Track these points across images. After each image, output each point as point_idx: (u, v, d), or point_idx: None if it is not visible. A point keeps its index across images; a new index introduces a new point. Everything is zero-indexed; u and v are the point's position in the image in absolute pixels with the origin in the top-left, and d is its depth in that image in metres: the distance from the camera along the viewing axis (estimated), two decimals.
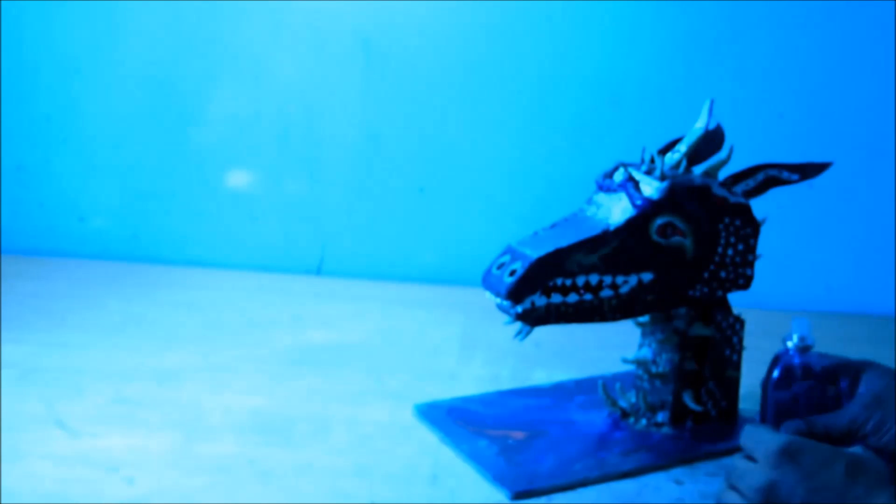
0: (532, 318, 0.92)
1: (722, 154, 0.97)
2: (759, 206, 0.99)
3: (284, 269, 1.47)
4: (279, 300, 1.34)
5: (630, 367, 1.04)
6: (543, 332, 1.23)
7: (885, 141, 1.37)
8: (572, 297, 0.92)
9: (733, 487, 0.82)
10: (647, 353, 1.01)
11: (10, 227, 1.47)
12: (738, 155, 0.99)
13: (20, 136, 1.45)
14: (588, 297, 0.93)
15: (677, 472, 0.95)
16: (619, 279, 0.94)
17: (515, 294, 0.91)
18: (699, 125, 0.97)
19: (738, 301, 1.01)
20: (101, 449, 0.94)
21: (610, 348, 1.11)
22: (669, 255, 0.95)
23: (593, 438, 1.00)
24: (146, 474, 0.90)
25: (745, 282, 0.99)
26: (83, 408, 1.01)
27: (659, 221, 0.94)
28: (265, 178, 1.46)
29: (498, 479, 0.92)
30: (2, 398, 1.02)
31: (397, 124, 1.42)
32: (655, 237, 0.94)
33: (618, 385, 1.03)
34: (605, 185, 0.97)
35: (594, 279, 0.93)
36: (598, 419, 1.03)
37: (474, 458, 0.95)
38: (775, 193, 1.00)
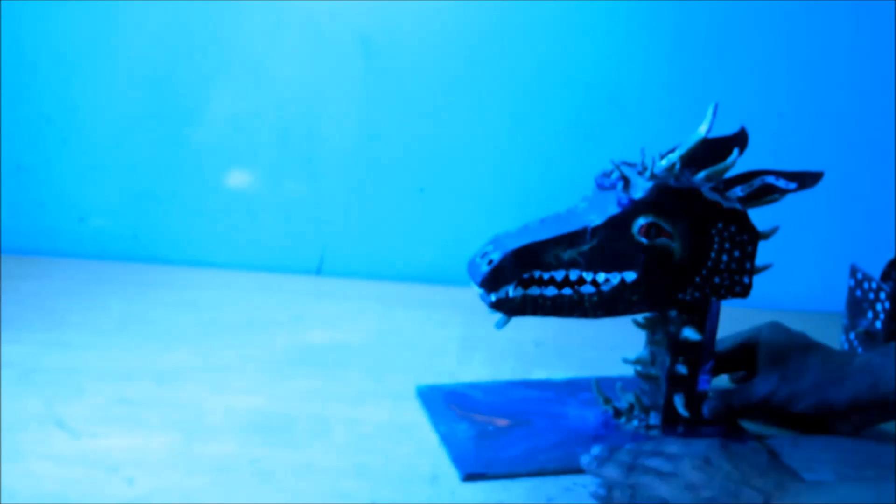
0: (507, 308, 0.93)
1: (728, 160, 0.96)
2: (760, 208, 0.99)
3: (284, 269, 1.47)
4: (279, 300, 1.34)
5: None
6: (544, 332, 1.24)
7: (885, 141, 1.37)
8: (550, 291, 0.93)
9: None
10: (645, 354, 1.01)
11: (10, 227, 1.47)
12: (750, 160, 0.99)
13: (20, 136, 1.45)
14: (567, 291, 0.93)
15: None
16: (601, 276, 0.94)
17: (489, 283, 0.92)
18: (701, 129, 0.96)
19: (735, 301, 1.01)
20: (101, 449, 0.94)
21: (610, 348, 1.12)
22: (655, 256, 0.94)
23: (575, 433, 1.00)
24: (146, 474, 0.90)
25: (742, 290, 0.98)
26: (83, 408, 1.01)
27: (641, 221, 0.94)
28: (265, 177, 1.46)
29: (456, 460, 0.94)
30: (2, 398, 1.02)
31: (397, 124, 1.42)
32: (638, 237, 0.94)
33: (618, 384, 1.04)
34: (601, 182, 0.97)
35: (574, 274, 0.93)
36: (591, 416, 1.04)
37: (445, 439, 0.97)
38: None
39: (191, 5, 1.39)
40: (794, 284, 1.40)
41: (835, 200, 1.39)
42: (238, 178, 1.46)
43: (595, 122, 1.40)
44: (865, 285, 1.16)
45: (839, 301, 1.23)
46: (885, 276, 1.17)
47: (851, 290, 1.19)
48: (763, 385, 1.00)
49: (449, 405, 1.04)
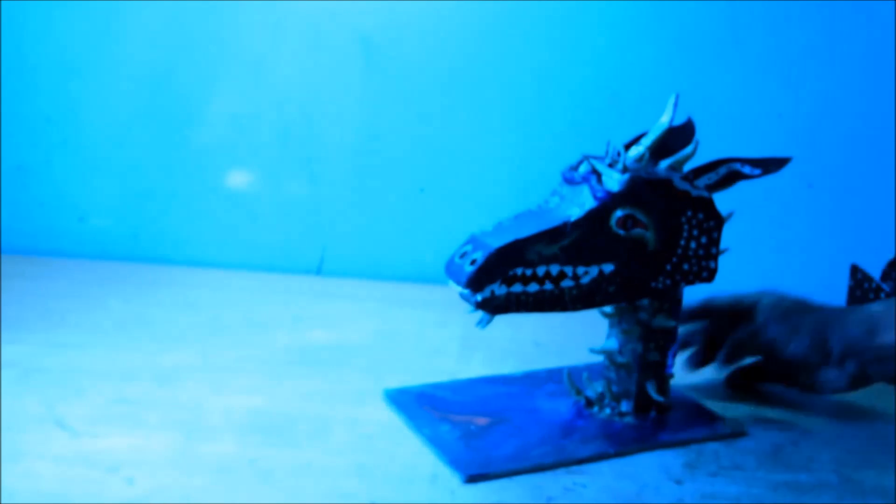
0: (492, 307, 0.93)
1: (688, 149, 0.98)
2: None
3: (284, 269, 1.47)
4: (279, 300, 1.34)
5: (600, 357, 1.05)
6: (543, 332, 1.24)
7: (884, 141, 1.37)
8: (532, 287, 0.94)
9: None
10: (613, 343, 1.02)
11: (10, 227, 1.47)
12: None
13: (20, 136, 1.45)
14: (549, 286, 0.94)
15: (677, 471, 0.95)
16: (580, 270, 0.94)
17: (475, 283, 0.92)
18: (664, 119, 0.98)
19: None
20: (101, 449, 0.94)
21: None
22: (631, 247, 0.96)
23: (555, 426, 1.01)
24: (146, 474, 0.90)
25: (708, 274, 0.99)
26: (83, 408, 1.01)
27: (619, 213, 0.95)
28: (265, 178, 1.46)
29: (453, 462, 0.93)
30: (2, 398, 1.02)
31: (397, 124, 1.43)
32: (616, 229, 0.95)
33: (585, 374, 1.05)
34: (570, 176, 0.98)
35: (555, 270, 0.94)
36: (563, 407, 1.05)
37: (434, 442, 0.97)
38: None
39: (191, 5, 1.39)
40: (794, 284, 1.40)
41: (834, 200, 1.39)
42: (238, 178, 1.46)
43: (595, 122, 1.40)
44: (865, 285, 1.16)
45: (839, 301, 1.23)
46: (885, 276, 1.17)
47: (851, 290, 1.19)
48: (758, 320, 1.02)
49: (423, 407, 1.04)
